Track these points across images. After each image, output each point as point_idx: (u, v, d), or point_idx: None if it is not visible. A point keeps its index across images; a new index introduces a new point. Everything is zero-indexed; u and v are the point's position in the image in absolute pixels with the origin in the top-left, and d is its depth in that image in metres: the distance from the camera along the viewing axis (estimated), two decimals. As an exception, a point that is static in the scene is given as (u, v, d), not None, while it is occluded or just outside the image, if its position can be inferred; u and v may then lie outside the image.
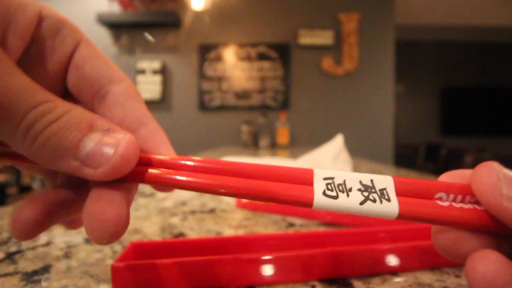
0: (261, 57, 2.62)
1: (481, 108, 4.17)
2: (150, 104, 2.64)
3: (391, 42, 2.59)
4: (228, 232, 0.36)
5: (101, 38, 2.61)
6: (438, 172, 3.24)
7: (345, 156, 0.62)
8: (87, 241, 0.32)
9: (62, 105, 0.12)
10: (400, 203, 0.13)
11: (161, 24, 2.57)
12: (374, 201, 0.13)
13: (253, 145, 2.46)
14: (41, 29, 0.15)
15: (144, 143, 0.16)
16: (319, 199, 0.13)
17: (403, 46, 3.59)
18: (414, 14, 3.72)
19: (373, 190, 0.13)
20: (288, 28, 2.61)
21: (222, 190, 0.13)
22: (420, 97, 4.25)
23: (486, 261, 0.11)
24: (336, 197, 0.13)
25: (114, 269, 0.21)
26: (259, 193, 0.13)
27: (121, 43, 2.61)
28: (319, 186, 0.13)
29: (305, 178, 0.14)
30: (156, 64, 2.59)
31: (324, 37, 2.57)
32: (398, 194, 0.13)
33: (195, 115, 2.65)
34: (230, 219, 0.41)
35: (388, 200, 0.13)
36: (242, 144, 2.45)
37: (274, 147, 2.36)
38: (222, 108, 2.64)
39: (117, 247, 0.30)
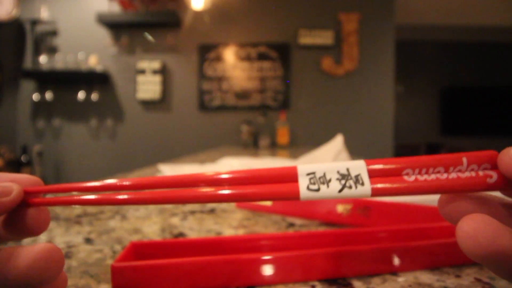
0: (261, 57, 2.62)
1: (481, 108, 4.17)
2: (150, 104, 2.64)
3: (391, 42, 2.59)
4: (228, 232, 0.36)
5: (101, 38, 2.62)
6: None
7: (345, 156, 0.62)
8: (87, 241, 0.32)
9: None
10: (372, 184, 0.15)
11: (161, 24, 2.57)
12: (350, 187, 0.15)
13: (253, 145, 2.46)
14: None
15: None
16: (304, 193, 0.15)
17: (403, 46, 3.59)
18: (414, 14, 3.72)
19: (349, 177, 0.15)
20: (288, 28, 2.61)
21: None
22: (420, 97, 4.25)
23: (471, 221, 0.12)
24: (318, 190, 0.15)
25: (114, 269, 0.21)
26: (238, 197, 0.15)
27: (121, 43, 2.61)
28: (303, 182, 0.15)
29: (290, 175, 0.15)
30: (156, 64, 2.59)
31: (324, 37, 2.57)
32: (371, 176, 0.15)
33: (195, 115, 2.65)
34: (230, 219, 0.41)
35: (362, 184, 0.15)
36: (242, 144, 2.45)
37: (274, 147, 2.36)
38: (222, 108, 2.64)
39: (117, 247, 0.30)
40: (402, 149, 3.46)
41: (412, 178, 0.14)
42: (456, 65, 4.22)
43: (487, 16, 3.78)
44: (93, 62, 2.55)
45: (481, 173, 0.15)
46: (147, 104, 2.64)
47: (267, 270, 0.23)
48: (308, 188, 0.15)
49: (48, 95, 2.62)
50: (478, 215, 0.13)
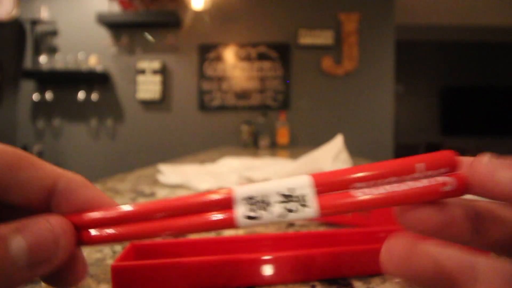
0: (261, 57, 2.62)
1: (481, 108, 4.17)
2: (150, 104, 2.64)
3: (391, 42, 2.59)
4: (228, 232, 0.36)
5: (101, 38, 2.62)
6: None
7: (345, 156, 0.62)
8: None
9: None
10: (319, 204, 0.13)
11: (161, 24, 2.57)
12: (295, 211, 0.13)
13: (253, 145, 2.46)
14: None
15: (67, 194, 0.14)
16: (242, 222, 0.13)
17: (403, 46, 3.59)
18: (414, 14, 3.72)
19: (292, 199, 0.13)
20: (288, 28, 2.61)
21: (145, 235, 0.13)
22: (420, 97, 4.25)
23: (391, 240, 0.12)
24: (258, 217, 0.13)
25: (114, 269, 0.21)
26: (181, 229, 0.13)
27: (121, 43, 2.61)
28: (240, 209, 0.13)
29: (225, 201, 0.13)
30: (156, 64, 2.59)
31: (324, 37, 2.57)
32: (318, 191, 0.13)
33: (195, 115, 2.65)
34: (230, 219, 0.41)
35: (307, 206, 0.13)
36: (242, 144, 2.45)
37: (274, 147, 2.36)
38: (222, 108, 2.64)
39: (117, 247, 0.30)
40: (402, 149, 3.46)
41: (360, 193, 0.13)
42: (456, 65, 4.22)
43: (487, 16, 3.78)
44: (93, 62, 2.55)
45: (439, 179, 0.13)
46: (147, 104, 2.64)
47: (267, 270, 0.23)
48: (246, 216, 0.13)
49: (48, 95, 2.62)
50: (401, 235, 0.12)
